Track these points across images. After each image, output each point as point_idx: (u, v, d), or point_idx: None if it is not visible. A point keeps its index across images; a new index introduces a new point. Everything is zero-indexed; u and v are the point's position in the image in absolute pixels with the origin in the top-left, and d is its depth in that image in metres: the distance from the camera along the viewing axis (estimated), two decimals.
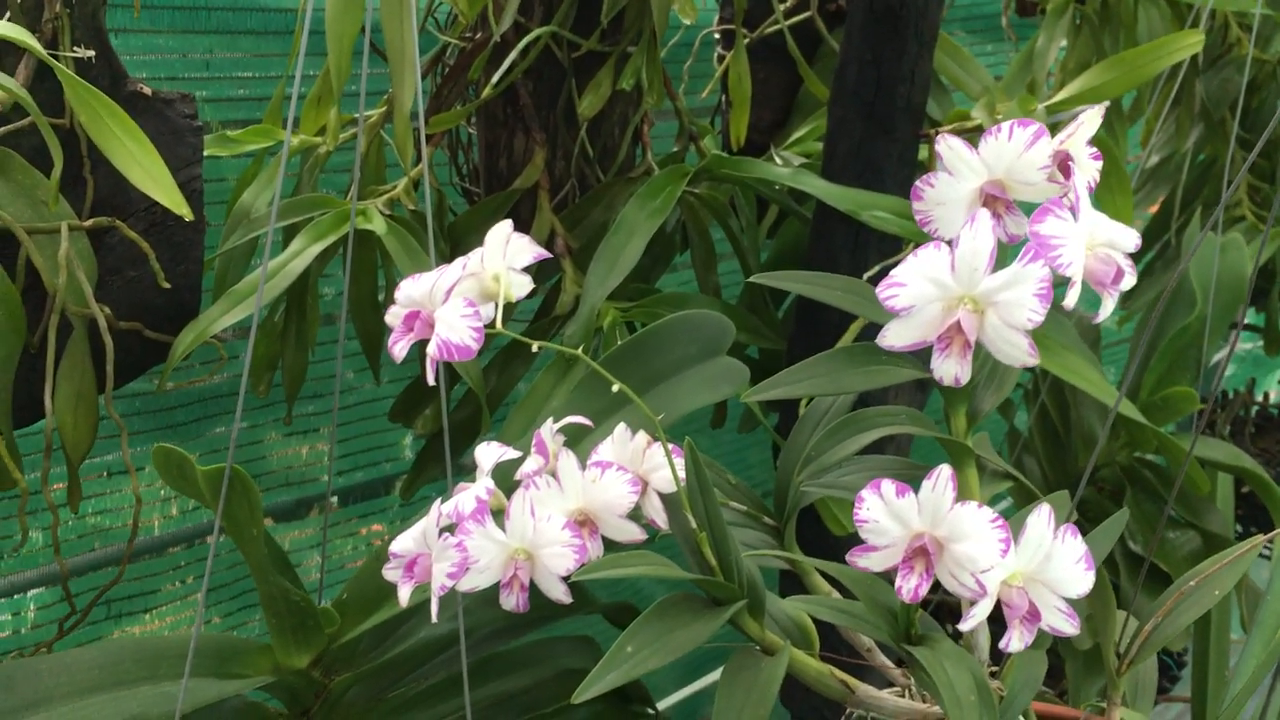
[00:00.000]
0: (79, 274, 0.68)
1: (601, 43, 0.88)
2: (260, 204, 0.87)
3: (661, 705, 1.51)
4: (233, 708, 0.74)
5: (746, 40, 0.99)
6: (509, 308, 0.94)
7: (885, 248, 0.86)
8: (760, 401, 0.94)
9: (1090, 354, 0.94)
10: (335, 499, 1.21)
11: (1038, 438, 1.21)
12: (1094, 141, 0.98)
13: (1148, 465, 1.14)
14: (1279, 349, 1.46)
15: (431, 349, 0.44)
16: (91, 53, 0.71)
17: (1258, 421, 1.66)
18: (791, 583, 0.76)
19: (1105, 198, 0.94)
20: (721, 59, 1.08)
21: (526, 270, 0.49)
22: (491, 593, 0.87)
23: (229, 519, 0.64)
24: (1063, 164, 0.45)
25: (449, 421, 0.93)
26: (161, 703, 0.65)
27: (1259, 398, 1.71)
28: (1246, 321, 1.76)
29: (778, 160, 0.96)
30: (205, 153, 0.87)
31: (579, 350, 0.81)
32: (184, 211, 0.65)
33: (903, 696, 0.53)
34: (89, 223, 0.70)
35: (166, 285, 0.73)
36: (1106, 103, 0.85)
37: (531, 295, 0.99)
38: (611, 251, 0.84)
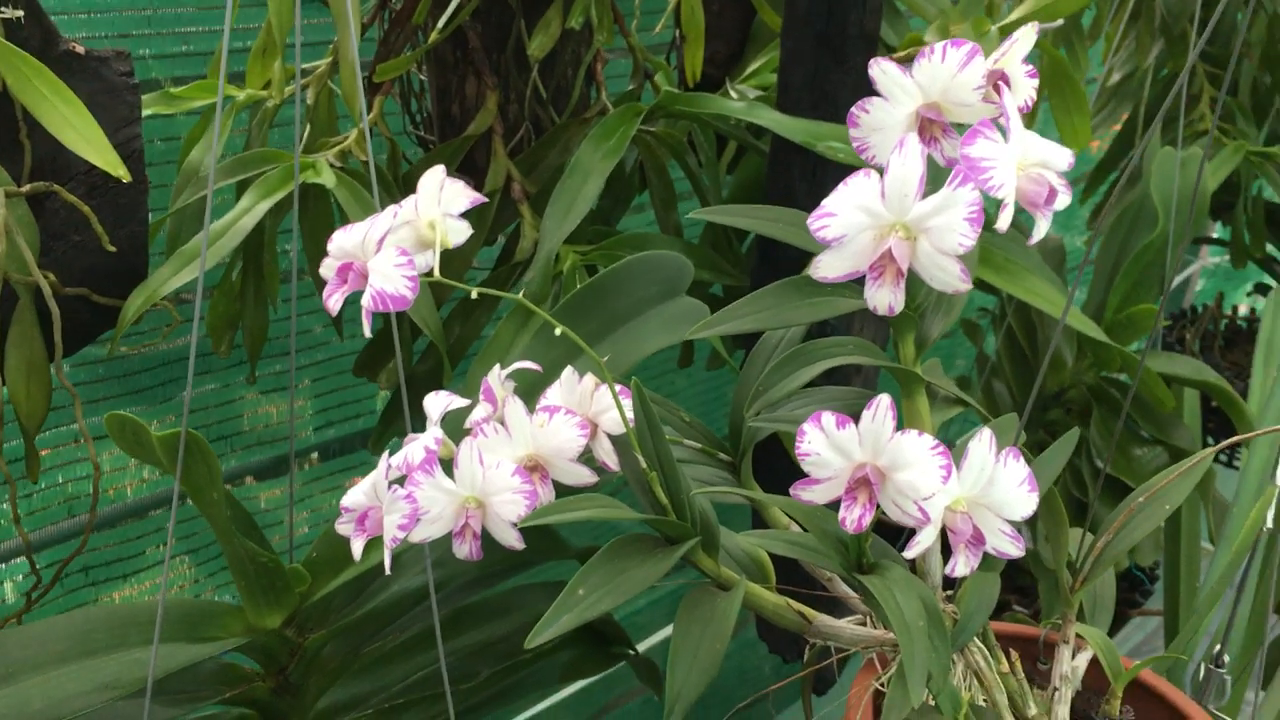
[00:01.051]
0: (19, 241, 0.67)
1: None
2: (209, 161, 0.86)
3: (647, 644, 1.53)
4: (209, 670, 0.74)
5: None
6: (462, 253, 0.93)
7: (843, 178, 0.86)
8: (725, 339, 0.94)
9: (1054, 276, 0.94)
10: (316, 456, 1.20)
11: (1006, 361, 1.21)
12: (1050, 60, 0.96)
13: (1114, 384, 1.14)
14: (1245, 262, 1.46)
15: (366, 300, 0.43)
16: (20, 13, 0.69)
17: (1227, 335, 1.67)
18: (762, 519, 0.77)
19: (1063, 117, 0.93)
20: None
21: (464, 216, 0.48)
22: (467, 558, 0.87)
23: (188, 483, 0.64)
24: (999, 84, 0.45)
25: (413, 374, 0.93)
26: (133, 669, 0.65)
27: (1228, 311, 1.72)
28: (1215, 235, 1.77)
29: (732, 94, 0.95)
30: (151, 111, 0.86)
31: (536, 296, 0.81)
32: (120, 172, 0.64)
33: (865, 625, 0.54)
34: (26, 188, 0.68)
35: (112, 248, 0.72)
36: (1060, 20, 0.84)
37: (491, 242, 0.99)
38: (567, 194, 0.83)
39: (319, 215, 0.87)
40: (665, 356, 1.38)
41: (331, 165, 0.82)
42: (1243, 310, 1.76)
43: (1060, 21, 0.80)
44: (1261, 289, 1.68)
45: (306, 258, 0.90)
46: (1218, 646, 0.66)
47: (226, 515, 0.65)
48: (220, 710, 0.75)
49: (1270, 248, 1.51)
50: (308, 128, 0.89)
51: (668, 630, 1.53)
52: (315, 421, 1.19)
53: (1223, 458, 1.58)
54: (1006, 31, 0.85)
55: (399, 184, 0.92)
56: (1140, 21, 1.35)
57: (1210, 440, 1.60)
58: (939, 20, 0.93)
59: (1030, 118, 1.21)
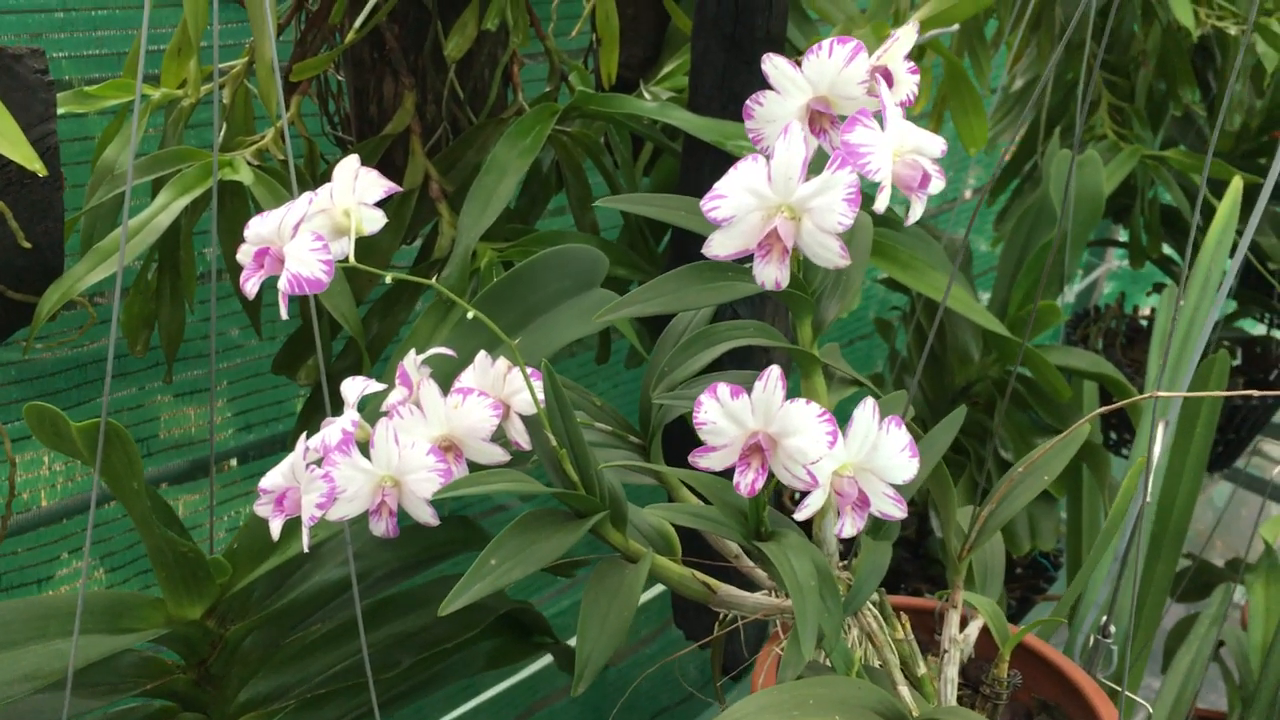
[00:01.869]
0: None
1: None
2: (123, 160, 0.86)
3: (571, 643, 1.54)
4: (129, 662, 0.75)
5: None
6: (380, 250, 0.94)
7: None
8: (642, 335, 0.96)
9: (957, 272, 0.98)
10: (234, 461, 1.20)
11: (915, 357, 1.25)
12: (949, 66, 1.00)
13: (1019, 378, 1.19)
14: (1143, 262, 1.53)
15: (282, 284, 0.45)
16: None
17: (1128, 334, 1.74)
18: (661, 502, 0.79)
19: (961, 119, 0.97)
20: None
21: (380, 205, 0.50)
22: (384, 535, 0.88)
23: (108, 474, 0.64)
24: (887, 79, 0.47)
25: (332, 371, 0.94)
26: (53, 660, 0.65)
27: (1130, 311, 1.79)
28: (1120, 239, 1.84)
29: (645, 95, 0.97)
30: (65, 110, 0.86)
31: (453, 291, 0.82)
32: (37, 167, 0.64)
33: (769, 596, 0.56)
34: None
35: (27, 245, 0.72)
36: (955, 25, 0.88)
37: (411, 241, 1.00)
38: (484, 192, 0.84)
39: (236, 213, 0.88)
40: (585, 358, 1.40)
41: (249, 163, 0.83)
42: (1145, 311, 1.84)
43: (956, 26, 0.84)
44: (1161, 289, 1.75)
45: (224, 256, 0.91)
46: (1104, 617, 0.70)
47: (146, 505, 0.66)
48: (141, 703, 0.76)
49: (1167, 248, 1.58)
50: (224, 127, 0.90)
51: None
52: (234, 424, 1.18)
53: (1125, 451, 1.65)
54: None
55: (317, 183, 0.92)
56: (1041, 30, 1.41)
57: (1112, 434, 1.67)
58: (844, 25, 0.96)
59: (937, 121, 1.25)
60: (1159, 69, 1.46)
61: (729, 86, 0.87)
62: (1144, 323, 1.79)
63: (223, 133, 0.89)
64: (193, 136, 0.98)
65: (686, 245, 0.92)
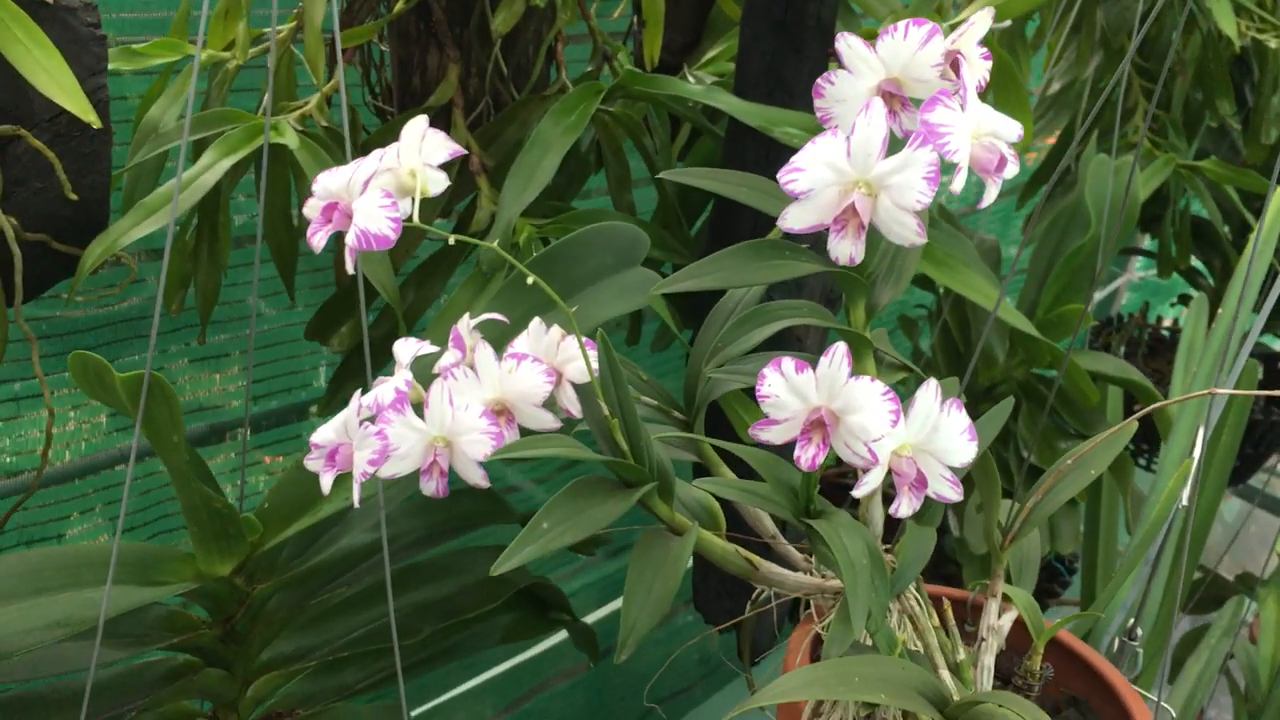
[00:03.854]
0: None
1: None
2: (169, 118, 0.86)
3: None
4: (156, 616, 0.75)
5: None
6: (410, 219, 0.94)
7: None
8: (675, 316, 0.97)
9: (989, 271, 0.98)
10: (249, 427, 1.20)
11: (940, 356, 1.25)
12: (997, 61, 1.00)
13: (1042, 380, 1.19)
14: (1171, 273, 1.53)
15: (350, 239, 0.45)
16: None
17: (1150, 343, 1.74)
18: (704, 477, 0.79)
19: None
20: None
21: (443, 168, 0.50)
22: (411, 503, 0.88)
23: (149, 426, 0.64)
24: (955, 64, 0.47)
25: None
26: (84, 608, 0.66)
27: (1152, 321, 1.79)
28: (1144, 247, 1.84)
29: (691, 79, 0.97)
30: (111, 66, 0.86)
31: (495, 263, 0.83)
32: (92, 119, 0.65)
33: (810, 575, 0.56)
34: None
35: (74, 196, 0.72)
36: (1008, 21, 0.88)
37: (447, 214, 1.00)
38: (526, 167, 0.84)
39: (276, 178, 0.88)
40: (614, 340, 1.40)
41: (293, 128, 0.83)
42: (1166, 322, 1.83)
43: (1008, 22, 0.83)
44: (1186, 300, 1.75)
45: (265, 218, 0.91)
46: (1131, 620, 0.70)
47: (184, 459, 0.66)
48: (166, 656, 0.76)
49: (1195, 261, 1.57)
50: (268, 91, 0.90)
51: (603, 611, 1.56)
52: (252, 392, 1.19)
53: (1141, 460, 1.65)
54: (954, 30, 0.88)
55: (358, 152, 0.92)
56: (1081, 34, 1.41)
57: (1130, 443, 1.66)
58: (890, 19, 0.96)
59: None
60: (1196, 79, 1.45)
61: (776, 73, 0.87)
62: (1166, 333, 1.79)
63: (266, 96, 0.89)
64: (234, 100, 0.98)
65: (727, 229, 0.92)
